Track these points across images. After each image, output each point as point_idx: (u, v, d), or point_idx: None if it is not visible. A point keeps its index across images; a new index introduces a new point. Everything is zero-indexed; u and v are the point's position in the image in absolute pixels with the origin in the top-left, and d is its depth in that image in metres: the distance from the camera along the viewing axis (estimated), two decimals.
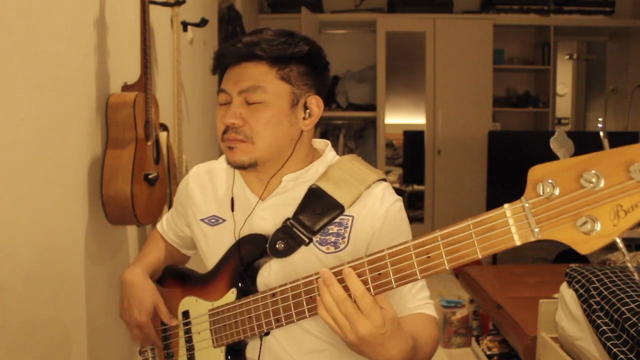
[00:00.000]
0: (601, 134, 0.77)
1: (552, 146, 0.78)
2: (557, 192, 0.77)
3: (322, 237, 1.13)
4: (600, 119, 0.80)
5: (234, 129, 1.12)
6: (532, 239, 0.80)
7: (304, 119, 1.15)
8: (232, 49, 1.13)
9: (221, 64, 1.17)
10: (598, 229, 0.74)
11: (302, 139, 1.17)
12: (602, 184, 0.73)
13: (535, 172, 0.79)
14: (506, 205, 0.81)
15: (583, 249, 0.76)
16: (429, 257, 0.87)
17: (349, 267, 0.93)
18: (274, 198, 1.18)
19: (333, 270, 0.95)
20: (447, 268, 0.87)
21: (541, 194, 0.77)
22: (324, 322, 1.14)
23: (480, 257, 0.84)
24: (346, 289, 0.92)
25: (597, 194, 0.74)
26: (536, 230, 0.79)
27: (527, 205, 0.79)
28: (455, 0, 5.54)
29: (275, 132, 1.12)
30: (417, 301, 1.14)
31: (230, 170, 1.25)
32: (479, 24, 5.41)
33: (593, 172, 0.74)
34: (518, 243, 0.81)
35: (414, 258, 0.89)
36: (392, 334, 0.92)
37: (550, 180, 0.77)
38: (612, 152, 0.73)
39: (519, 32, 5.78)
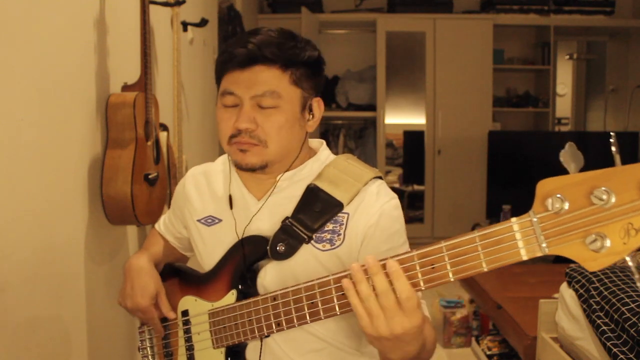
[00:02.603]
0: (613, 148, 0.76)
1: (562, 160, 0.76)
2: (566, 207, 0.75)
3: (318, 235, 1.13)
4: (612, 133, 0.79)
5: (247, 133, 1.11)
6: (540, 254, 0.78)
7: (308, 120, 1.17)
8: (242, 50, 1.10)
9: (228, 66, 1.13)
10: (607, 246, 0.73)
11: (305, 139, 1.20)
12: (612, 201, 0.72)
13: (544, 186, 0.77)
14: (514, 219, 0.80)
15: (591, 266, 0.74)
16: (433, 267, 0.86)
17: (395, 260, 0.87)
18: (271, 198, 1.19)
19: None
20: (452, 279, 0.85)
21: (550, 208, 0.76)
22: (323, 322, 1.14)
23: (486, 269, 0.82)
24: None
25: (607, 211, 0.72)
26: (544, 245, 0.77)
27: (535, 219, 0.78)
28: (455, 0, 5.54)
29: (288, 136, 1.13)
30: None
31: (227, 171, 1.26)
32: (479, 24, 5.41)
33: (604, 188, 0.72)
34: (525, 258, 0.79)
35: (417, 268, 0.87)
36: (422, 332, 0.90)
37: (559, 195, 0.75)
38: (624, 169, 0.72)
39: (519, 32, 5.78)
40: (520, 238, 0.79)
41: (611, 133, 0.79)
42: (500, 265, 0.81)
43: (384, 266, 0.87)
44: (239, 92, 1.11)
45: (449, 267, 0.85)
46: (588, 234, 0.74)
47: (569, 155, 0.77)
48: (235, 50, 1.11)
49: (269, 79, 1.10)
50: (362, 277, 0.88)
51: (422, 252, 0.87)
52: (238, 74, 1.11)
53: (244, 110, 1.11)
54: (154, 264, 1.33)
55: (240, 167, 1.15)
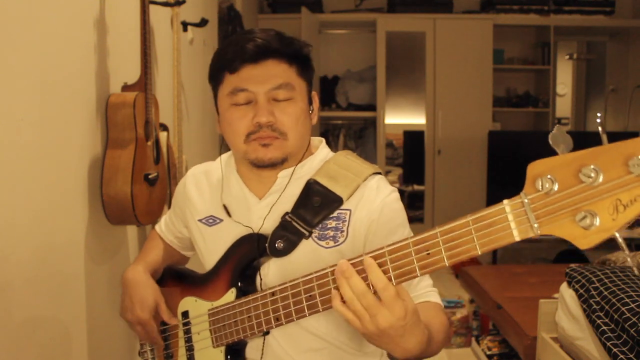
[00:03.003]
0: (599, 128, 0.78)
1: (550, 142, 0.78)
2: (556, 187, 0.77)
3: (321, 232, 1.13)
4: (598, 114, 0.80)
5: (269, 127, 1.11)
6: (532, 235, 0.80)
7: (311, 112, 1.20)
8: (252, 45, 1.11)
9: (237, 63, 1.12)
10: (597, 223, 0.74)
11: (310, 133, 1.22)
12: (601, 179, 0.73)
13: (534, 168, 0.79)
14: (505, 201, 0.81)
15: (582, 243, 0.76)
16: (428, 253, 0.87)
17: (370, 257, 0.91)
18: (272, 196, 1.19)
19: (351, 262, 0.92)
20: (447, 264, 0.87)
21: (540, 189, 0.77)
22: (323, 320, 1.14)
23: (479, 252, 0.84)
24: (364, 279, 0.91)
25: (596, 188, 0.74)
26: (535, 225, 0.79)
27: (526, 200, 0.79)
28: (455, 0, 5.54)
29: (303, 128, 1.15)
30: (421, 289, 1.14)
31: (229, 170, 1.26)
32: (479, 24, 5.41)
33: (592, 167, 0.74)
34: (517, 239, 0.80)
35: (413, 255, 0.88)
36: (412, 325, 0.91)
37: (549, 176, 0.77)
38: (611, 147, 0.73)
39: (519, 32, 5.78)
40: (512, 219, 0.80)
41: (597, 114, 0.81)
42: (493, 247, 0.83)
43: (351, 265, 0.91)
44: (253, 88, 1.11)
45: (443, 251, 0.86)
46: (578, 211, 0.75)
47: (557, 137, 0.78)
48: (245, 45, 1.11)
49: (281, 72, 1.12)
50: (344, 281, 0.91)
51: (417, 239, 0.89)
52: (249, 69, 1.12)
53: (261, 105, 1.11)
54: (152, 272, 1.32)
55: (261, 164, 1.14)
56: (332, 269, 0.96)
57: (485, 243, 0.83)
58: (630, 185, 0.72)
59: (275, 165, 1.14)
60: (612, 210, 0.73)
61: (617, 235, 0.76)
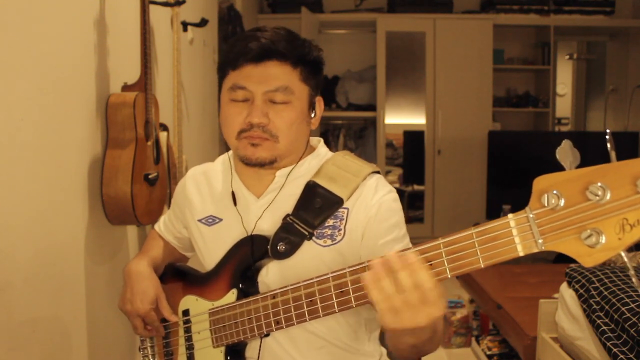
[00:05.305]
0: (608, 145, 0.77)
1: (558, 156, 0.78)
2: (562, 203, 0.76)
3: (319, 231, 1.14)
4: (608, 131, 0.80)
5: (260, 127, 1.11)
6: (536, 250, 0.79)
7: (311, 118, 1.20)
8: (256, 44, 1.10)
9: (240, 61, 1.12)
10: (603, 242, 0.73)
11: (308, 137, 1.22)
12: (608, 197, 0.73)
13: (540, 183, 0.78)
14: (510, 215, 0.81)
15: (587, 261, 0.75)
16: (431, 264, 0.87)
17: (417, 251, 0.86)
18: (270, 195, 1.19)
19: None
20: (449, 276, 0.86)
21: (546, 205, 0.77)
22: (323, 319, 1.14)
23: (482, 266, 0.83)
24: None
25: (602, 207, 0.73)
26: (540, 241, 0.78)
27: (531, 215, 0.79)
28: (455, 0, 5.54)
29: (297, 132, 1.15)
30: None
31: (227, 170, 1.27)
32: (479, 24, 5.41)
33: (599, 184, 0.73)
34: (521, 254, 0.80)
35: None
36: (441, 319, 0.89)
37: (555, 191, 0.76)
38: (619, 165, 0.73)
39: (519, 32, 5.78)
40: (516, 234, 0.80)
41: (607, 130, 0.80)
42: (496, 262, 0.82)
43: (403, 259, 0.84)
44: (251, 87, 1.11)
45: (446, 263, 0.85)
46: (583, 229, 0.75)
47: (565, 152, 0.78)
48: (249, 44, 1.11)
49: (281, 75, 1.11)
50: (384, 273, 0.84)
51: (420, 249, 0.88)
52: (250, 68, 1.12)
53: (257, 105, 1.11)
54: (154, 268, 1.33)
55: (249, 162, 1.15)
56: (333, 274, 0.96)
57: (489, 257, 0.82)
58: (637, 205, 0.71)
59: (264, 165, 1.14)
60: (618, 229, 0.72)
61: (623, 254, 0.75)
